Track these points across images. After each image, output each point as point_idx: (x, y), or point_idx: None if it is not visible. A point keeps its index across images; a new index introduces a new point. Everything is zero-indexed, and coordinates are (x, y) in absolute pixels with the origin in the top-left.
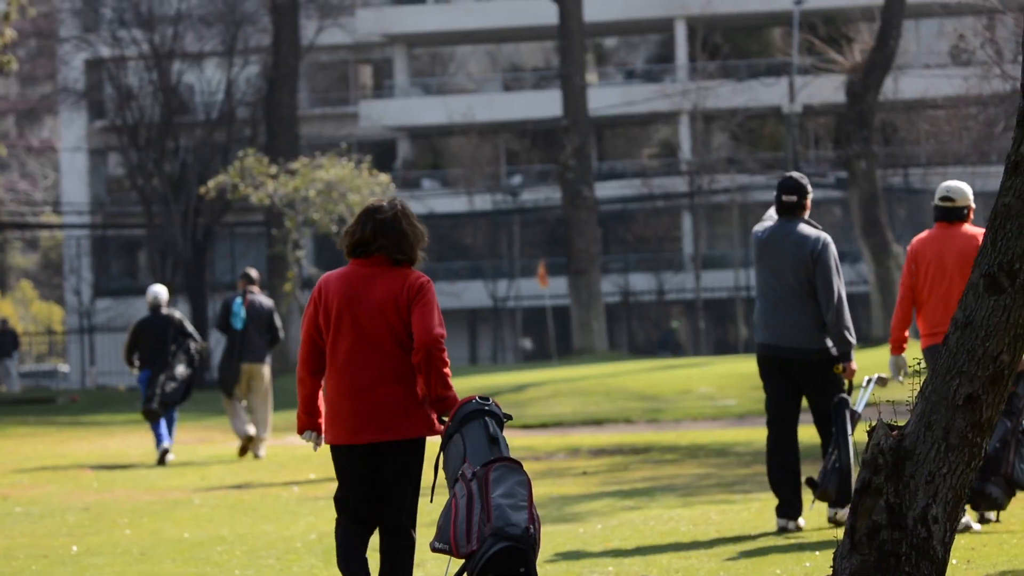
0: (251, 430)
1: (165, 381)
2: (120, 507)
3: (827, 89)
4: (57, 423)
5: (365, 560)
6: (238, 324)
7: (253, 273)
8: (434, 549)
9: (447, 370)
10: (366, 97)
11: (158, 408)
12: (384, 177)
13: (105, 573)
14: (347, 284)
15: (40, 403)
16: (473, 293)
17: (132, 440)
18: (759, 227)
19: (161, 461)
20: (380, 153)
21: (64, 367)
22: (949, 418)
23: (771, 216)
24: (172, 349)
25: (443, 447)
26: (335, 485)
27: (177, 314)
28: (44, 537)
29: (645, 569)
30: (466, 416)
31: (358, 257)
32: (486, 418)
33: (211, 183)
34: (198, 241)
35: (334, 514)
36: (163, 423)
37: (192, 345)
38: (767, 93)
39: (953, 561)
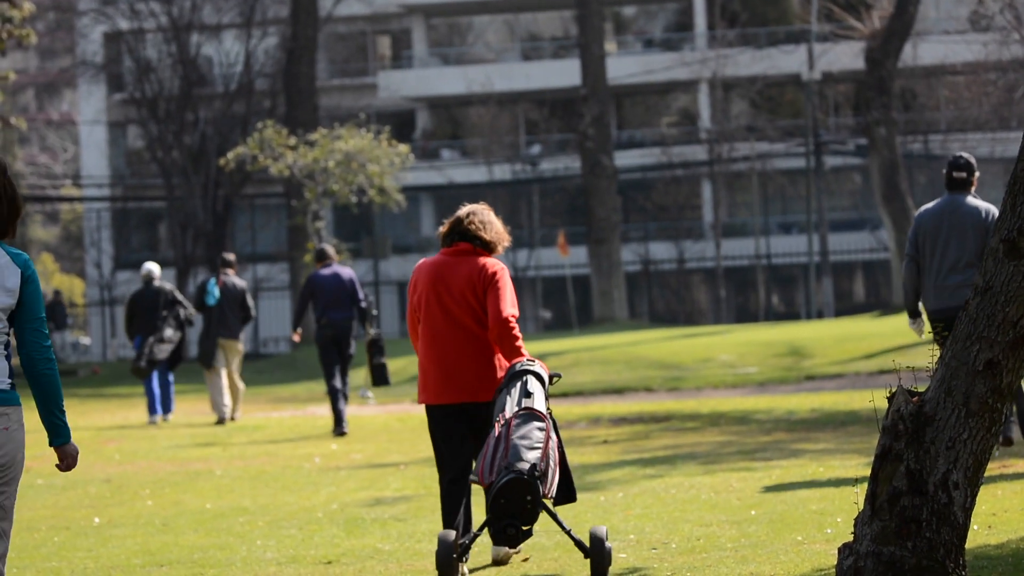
0: (227, 412)
1: (154, 343)
2: (142, 478)
3: (846, 56)
4: (79, 395)
5: (467, 512)
6: (211, 301)
7: (229, 257)
8: (470, 481)
9: (519, 343)
10: (384, 68)
11: (145, 366)
12: (403, 147)
13: (127, 544)
14: (436, 269)
15: (62, 375)
16: None
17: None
18: (926, 205)
19: (151, 422)
20: (399, 124)
21: (85, 339)
22: (969, 384)
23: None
24: (163, 315)
25: (493, 400)
26: (355, 456)
27: (168, 286)
28: (66, 509)
29: (666, 537)
30: (513, 375)
31: (446, 247)
32: (528, 376)
33: (230, 155)
34: (218, 213)
35: (353, 485)
36: (156, 387)
37: (182, 312)
38: (786, 60)
39: (974, 527)
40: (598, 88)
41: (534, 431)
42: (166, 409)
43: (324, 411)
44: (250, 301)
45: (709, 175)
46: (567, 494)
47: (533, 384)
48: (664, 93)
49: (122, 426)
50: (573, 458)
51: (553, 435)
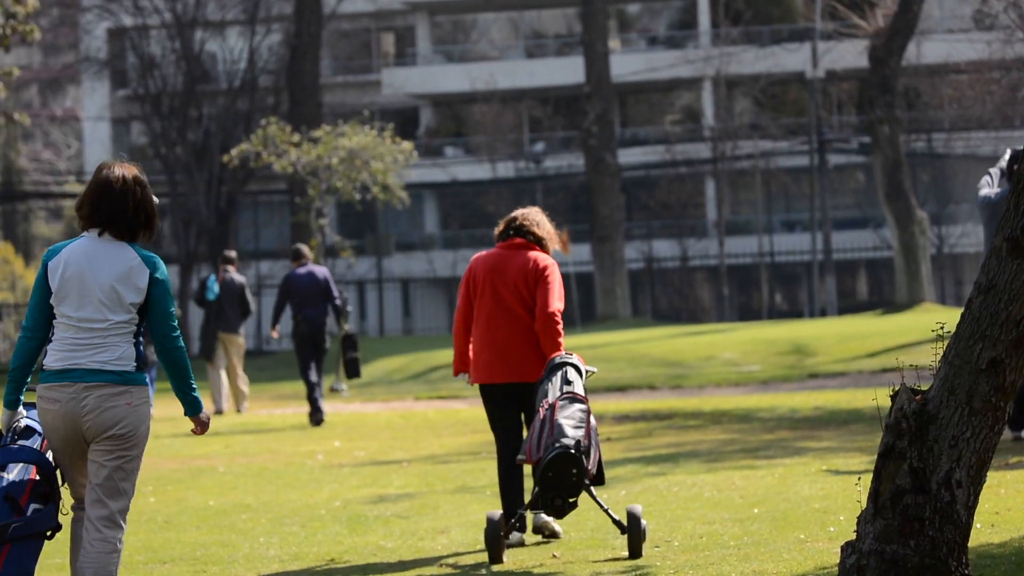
0: (224, 405)
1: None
2: (145, 475)
3: (850, 54)
4: None
5: (520, 485)
6: (211, 296)
7: (230, 254)
8: (517, 461)
9: (560, 339)
10: (388, 65)
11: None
12: (407, 145)
13: (130, 541)
14: (492, 261)
15: None
16: None
17: (158, 407)
18: (988, 192)
19: None
20: (402, 121)
21: None
22: (972, 382)
23: (988, 182)
24: None
25: (535, 390)
26: (358, 453)
27: None
28: (68, 505)
29: (669, 535)
30: (553, 367)
31: (501, 242)
32: (567, 367)
33: (234, 151)
34: (221, 209)
35: (356, 482)
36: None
37: None
38: (790, 58)
39: (977, 525)
40: (602, 86)
41: (577, 412)
42: None
43: (328, 408)
44: (249, 297)
45: (713, 173)
46: (597, 476)
47: (572, 374)
48: (668, 91)
49: None
50: None
51: (592, 419)
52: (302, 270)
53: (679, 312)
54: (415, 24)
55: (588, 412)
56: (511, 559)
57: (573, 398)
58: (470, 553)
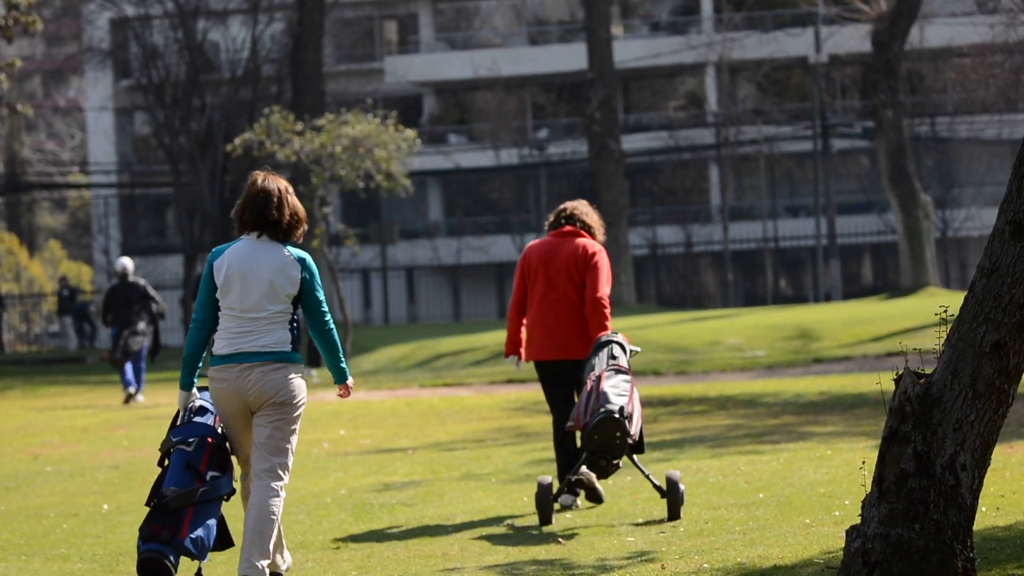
0: None
1: (128, 336)
2: (150, 465)
3: (853, 39)
4: (87, 382)
5: (573, 454)
6: None
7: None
8: (567, 428)
9: (607, 322)
10: (391, 53)
11: (120, 357)
12: (410, 133)
13: (136, 530)
14: (545, 248)
15: (70, 362)
16: (500, 247)
17: (161, 398)
18: None
19: (126, 402)
20: (406, 109)
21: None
22: (976, 365)
23: None
24: (136, 309)
25: (583, 366)
26: (363, 441)
27: (142, 281)
28: (75, 495)
29: (675, 520)
30: (600, 345)
31: (553, 230)
32: (613, 344)
33: (237, 141)
34: (225, 199)
35: (362, 470)
36: (129, 371)
37: (154, 306)
38: (793, 44)
39: (982, 509)
40: (605, 72)
41: (621, 382)
42: (136, 388)
43: (332, 396)
44: None
45: (716, 158)
46: (638, 445)
47: (617, 350)
48: (671, 77)
49: (130, 412)
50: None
51: (636, 390)
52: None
53: (684, 298)
54: (418, 11)
55: (632, 383)
56: (521, 549)
57: (618, 370)
58: (476, 540)
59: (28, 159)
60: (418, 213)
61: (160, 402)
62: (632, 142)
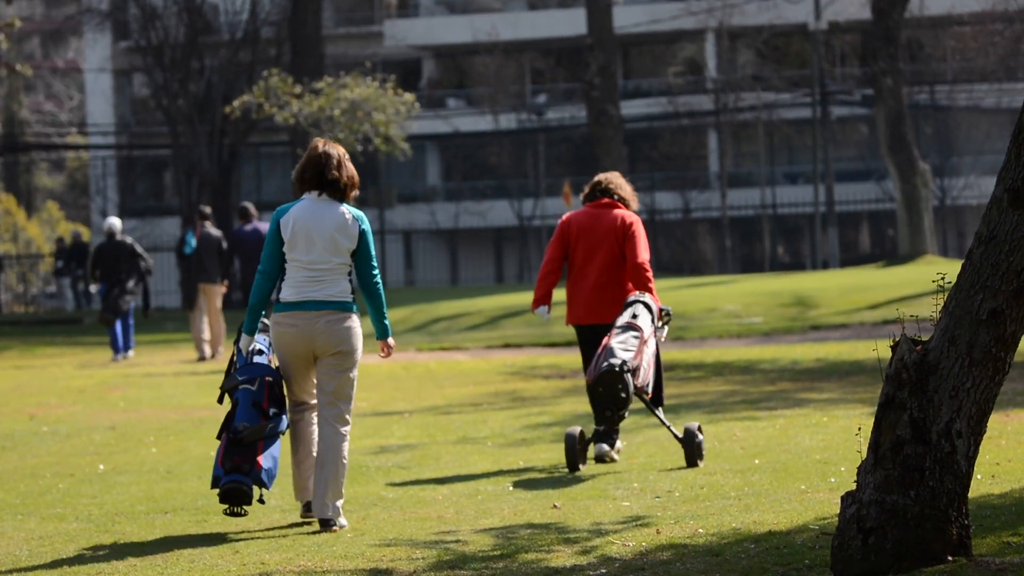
0: (207, 351)
1: (118, 294)
2: (146, 426)
3: (853, 6)
4: (84, 343)
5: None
6: (187, 250)
7: (206, 210)
8: (586, 382)
9: (651, 284)
10: (391, 16)
11: (111, 316)
12: (409, 96)
13: (132, 491)
14: (584, 218)
15: (67, 323)
16: (499, 212)
17: (158, 358)
18: None
19: (114, 360)
20: (405, 72)
21: (92, 287)
22: (973, 333)
23: None
24: (124, 268)
25: (614, 324)
26: (360, 404)
27: (129, 239)
28: (71, 456)
29: (670, 486)
30: (627, 304)
31: (589, 202)
32: (637, 303)
33: (236, 103)
34: (224, 161)
35: (358, 432)
36: (119, 331)
37: (142, 263)
38: (793, 10)
39: (977, 476)
40: (604, 37)
41: (630, 338)
42: (126, 347)
43: None
44: (225, 246)
45: (715, 125)
46: (655, 397)
47: (640, 309)
48: (670, 42)
49: (126, 374)
50: (577, 407)
51: (652, 345)
52: (248, 227)
53: (681, 264)
54: None
55: (641, 339)
56: (516, 512)
57: (629, 327)
58: (471, 503)
59: (26, 120)
60: (416, 177)
61: (154, 361)
62: (631, 108)
